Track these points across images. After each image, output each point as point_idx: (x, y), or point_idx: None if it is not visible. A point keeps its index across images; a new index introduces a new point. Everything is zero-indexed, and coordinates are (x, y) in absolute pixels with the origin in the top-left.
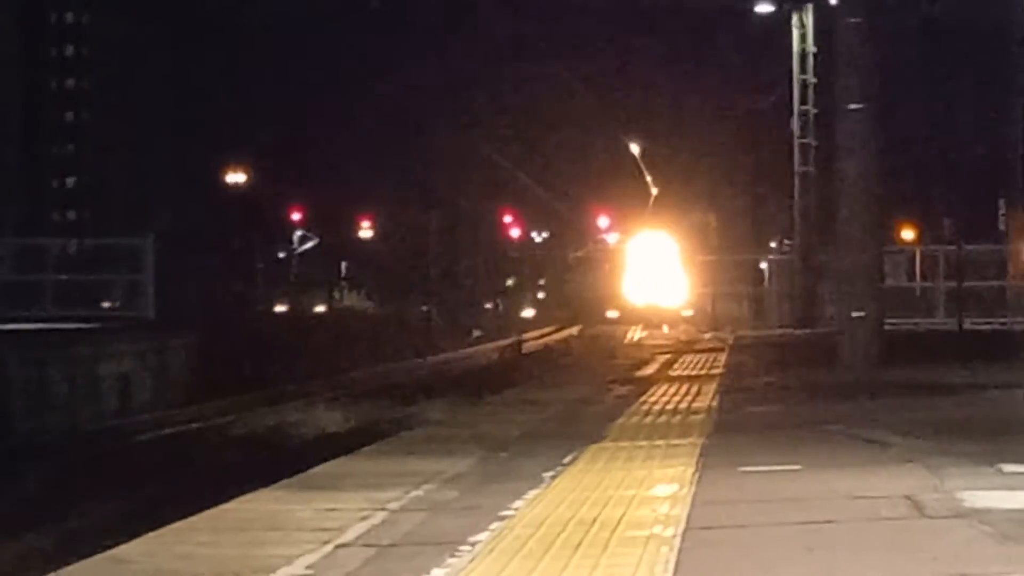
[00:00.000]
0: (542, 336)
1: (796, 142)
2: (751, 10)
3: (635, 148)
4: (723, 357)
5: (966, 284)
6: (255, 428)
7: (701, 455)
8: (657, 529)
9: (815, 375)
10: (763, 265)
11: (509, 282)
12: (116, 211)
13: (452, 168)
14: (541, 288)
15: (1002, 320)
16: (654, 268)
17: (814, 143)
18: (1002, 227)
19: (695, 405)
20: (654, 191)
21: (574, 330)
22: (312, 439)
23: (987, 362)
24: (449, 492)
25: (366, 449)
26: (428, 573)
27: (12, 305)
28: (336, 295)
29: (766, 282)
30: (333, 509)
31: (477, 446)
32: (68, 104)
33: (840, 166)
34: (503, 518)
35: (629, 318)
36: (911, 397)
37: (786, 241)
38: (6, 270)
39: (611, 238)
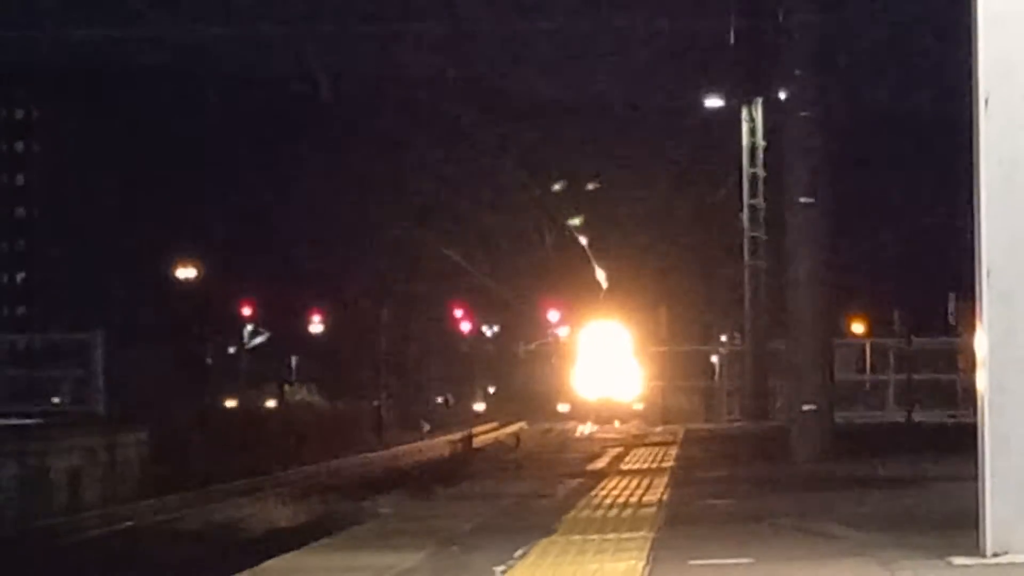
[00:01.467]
0: (493, 430)
1: (746, 235)
2: (701, 105)
3: (584, 241)
4: (674, 450)
5: (916, 377)
6: (205, 523)
7: (652, 548)
8: None
9: (766, 468)
10: (714, 359)
11: (491, 389)
12: (66, 306)
13: (403, 263)
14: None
15: (952, 413)
16: (605, 360)
17: (764, 237)
18: (952, 320)
19: (646, 498)
20: (604, 284)
21: (521, 425)
22: (262, 534)
23: (937, 455)
24: None
25: (316, 544)
26: None
27: None
28: (287, 390)
29: (717, 375)
30: None
31: (428, 540)
32: (18, 199)
33: (790, 259)
34: None
35: (580, 412)
36: (861, 490)
37: (736, 334)
38: None
39: (562, 332)
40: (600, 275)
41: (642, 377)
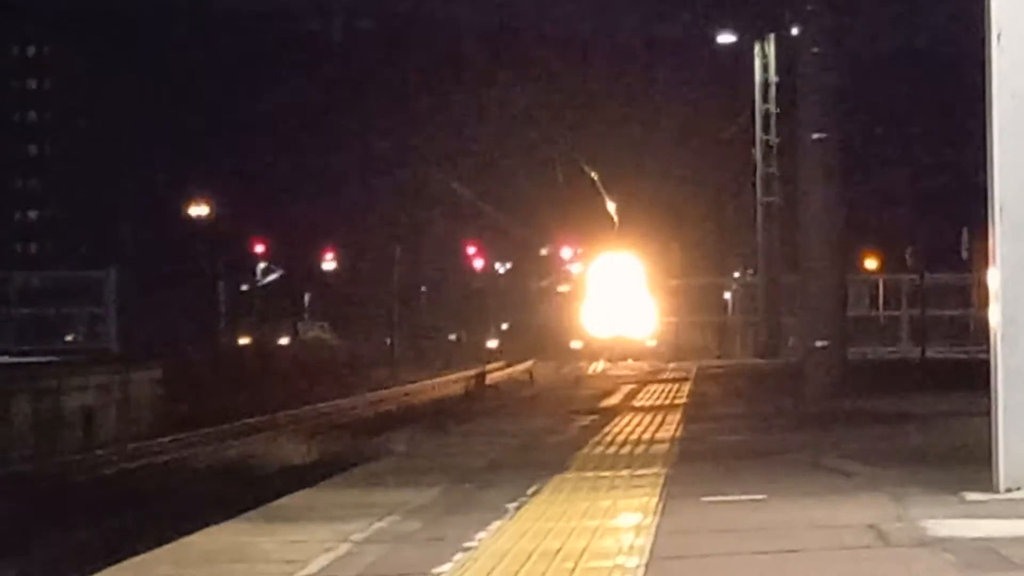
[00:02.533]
0: (506, 367)
1: (759, 172)
2: (714, 40)
3: (596, 176)
4: (687, 387)
5: (929, 312)
6: (219, 461)
7: (665, 485)
8: (621, 559)
9: (778, 404)
10: (727, 295)
11: (504, 326)
12: (79, 244)
13: (416, 200)
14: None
15: (965, 348)
16: (618, 296)
17: (777, 173)
18: (964, 256)
19: (659, 435)
20: (616, 220)
21: (532, 363)
22: (276, 471)
23: (950, 390)
24: (413, 523)
25: (330, 480)
26: None
27: None
28: (299, 327)
29: (730, 312)
30: (297, 541)
31: (441, 477)
32: (30, 137)
33: (803, 195)
34: (467, 549)
35: (593, 349)
36: (874, 426)
37: (749, 271)
38: None
39: (575, 268)
40: (612, 211)
41: (656, 314)
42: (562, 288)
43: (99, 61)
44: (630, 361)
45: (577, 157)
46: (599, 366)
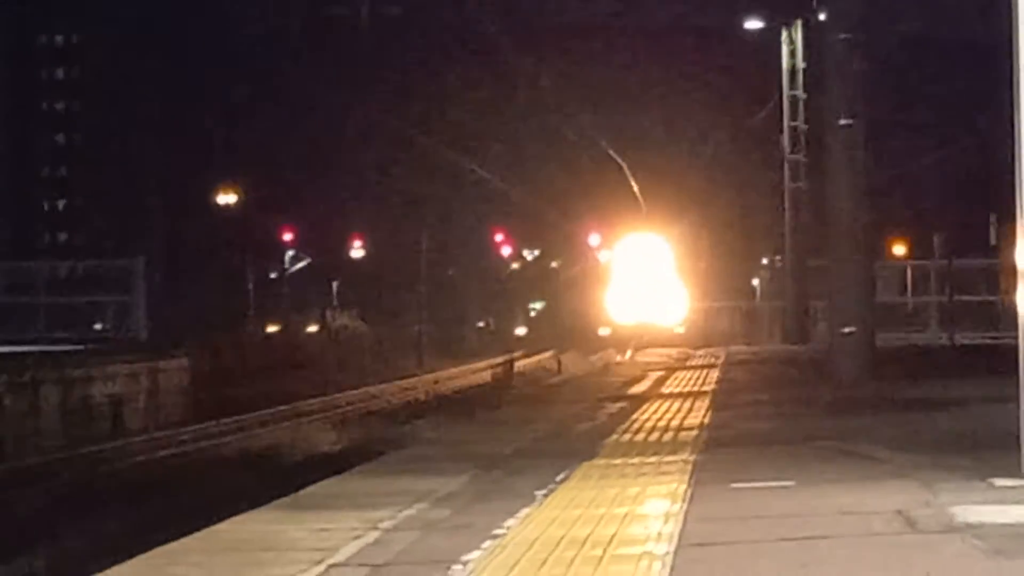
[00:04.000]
0: (533, 355)
1: (786, 158)
2: (741, 26)
3: (625, 164)
4: (715, 373)
5: (957, 298)
6: (248, 449)
7: (694, 472)
8: (650, 546)
9: (807, 391)
10: (755, 281)
11: (532, 313)
12: (107, 233)
13: (443, 187)
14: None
15: (993, 335)
16: (646, 281)
17: (804, 159)
18: (993, 241)
19: (687, 422)
20: (644, 206)
21: (557, 352)
22: (305, 459)
23: (978, 376)
24: (442, 511)
25: (359, 468)
26: None
27: (4, 327)
28: (328, 315)
29: (758, 298)
30: (326, 529)
31: (470, 464)
32: (59, 126)
33: (830, 181)
34: (495, 536)
35: (621, 336)
36: (903, 412)
37: (777, 257)
38: None
39: (603, 256)
40: (639, 197)
41: (686, 300)
42: (589, 274)
43: (127, 50)
44: (658, 349)
45: (605, 143)
46: (627, 353)
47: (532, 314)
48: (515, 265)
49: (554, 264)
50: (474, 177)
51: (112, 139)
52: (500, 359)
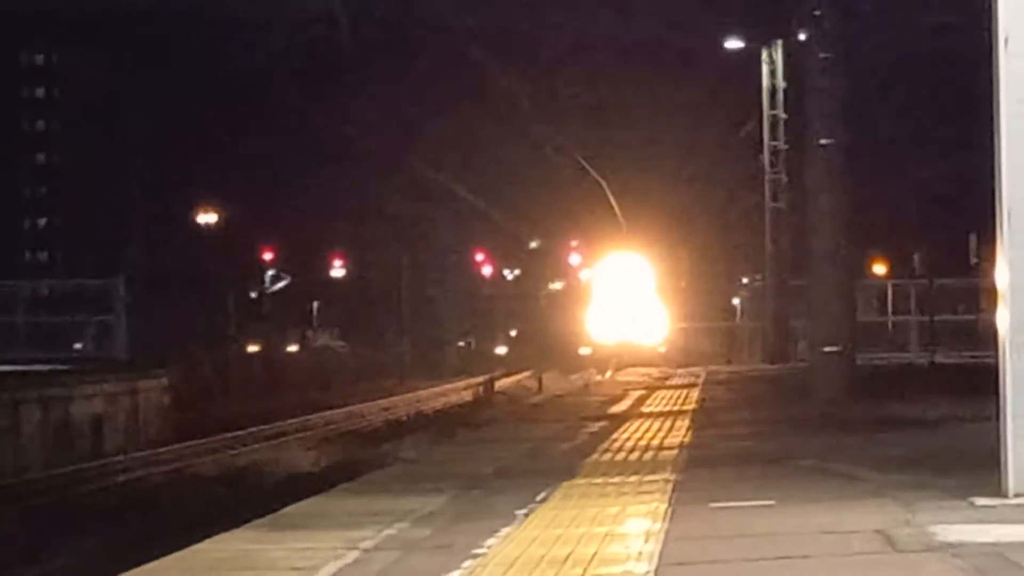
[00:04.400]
0: (514, 374)
1: (766, 177)
2: (721, 46)
3: (605, 183)
4: (696, 392)
5: (938, 318)
6: (228, 468)
7: (674, 491)
8: (631, 565)
9: (787, 410)
10: (736, 300)
11: (512, 332)
12: (87, 252)
13: (424, 207)
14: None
15: (974, 354)
16: (627, 300)
17: (784, 178)
18: (973, 261)
19: (667, 441)
20: (624, 227)
21: (534, 372)
22: (285, 478)
23: (958, 396)
24: (422, 530)
25: (339, 488)
26: None
27: None
28: (308, 335)
29: (738, 317)
30: (306, 548)
31: (450, 484)
32: (39, 145)
33: (810, 201)
34: (475, 556)
35: (602, 355)
36: (883, 431)
37: (758, 276)
38: None
39: (583, 274)
40: (620, 215)
41: (667, 319)
42: (568, 292)
43: (107, 70)
44: (639, 368)
45: (586, 163)
46: (607, 373)
47: (513, 333)
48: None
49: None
50: (454, 196)
51: (93, 158)
52: (480, 378)
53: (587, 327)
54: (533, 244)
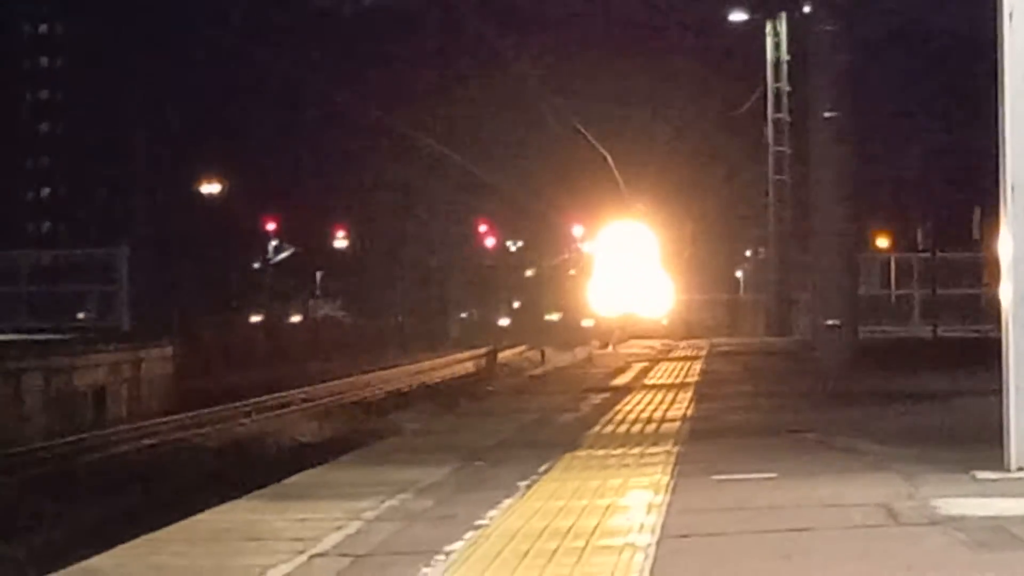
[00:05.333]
0: (518, 346)
1: (770, 150)
2: (725, 18)
3: (608, 154)
4: (699, 365)
5: (941, 292)
6: (231, 439)
7: (676, 463)
8: (632, 537)
9: (790, 383)
10: (738, 273)
11: (516, 304)
12: (90, 222)
13: (428, 178)
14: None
15: (976, 328)
16: (629, 271)
17: (788, 151)
18: (976, 235)
19: (670, 413)
20: (623, 187)
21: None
22: (288, 449)
23: (961, 369)
24: (424, 501)
25: (342, 459)
26: None
27: None
28: (311, 305)
29: (741, 290)
30: (308, 519)
31: (452, 455)
32: (42, 115)
33: (814, 173)
34: (478, 527)
35: (604, 327)
36: (885, 405)
37: (761, 249)
38: None
39: (586, 246)
40: (620, 181)
41: (671, 292)
42: (570, 264)
43: (110, 39)
44: (642, 340)
45: (584, 130)
46: (608, 347)
47: (516, 305)
48: (529, 272)
49: (529, 273)
50: (459, 167)
51: (96, 128)
52: (483, 350)
53: (589, 299)
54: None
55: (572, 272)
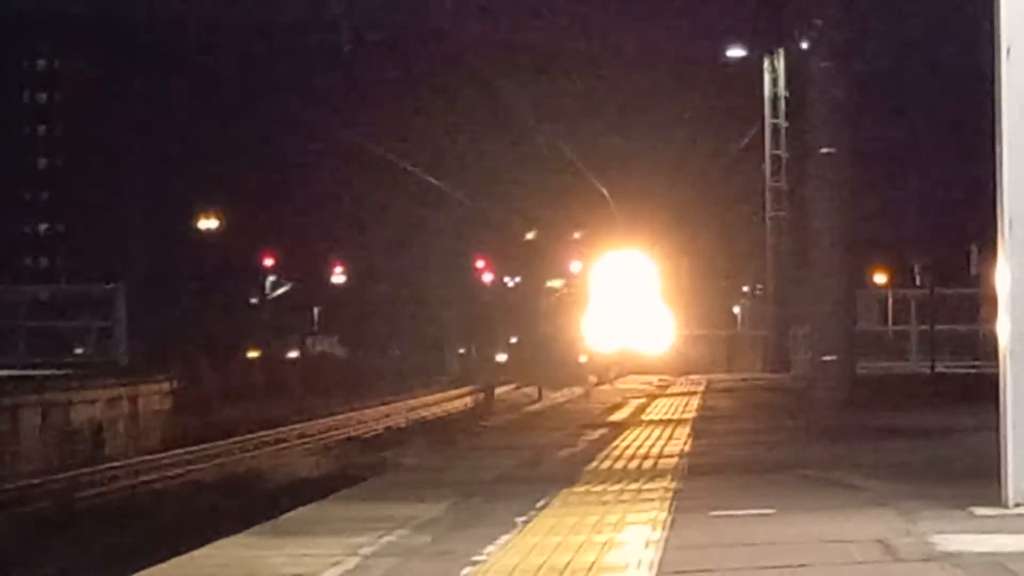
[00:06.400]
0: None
1: (768, 186)
2: (724, 54)
3: (606, 192)
4: (696, 400)
5: (939, 327)
6: (228, 474)
7: (674, 499)
8: (630, 573)
9: (787, 419)
10: (736, 309)
11: (512, 340)
12: (89, 257)
13: (425, 214)
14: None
15: (974, 363)
16: (628, 303)
17: (786, 187)
18: (974, 271)
19: (668, 449)
20: (625, 234)
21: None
22: (285, 484)
23: (959, 405)
24: (422, 537)
25: (339, 494)
26: None
27: None
28: (308, 341)
29: (739, 326)
30: (306, 555)
31: (450, 491)
32: (40, 150)
33: (812, 210)
34: (475, 563)
35: (601, 363)
36: (883, 440)
37: (758, 286)
38: None
39: (578, 270)
40: (620, 224)
41: (671, 326)
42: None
43: (109, 75)
44: (639, 376)
45: (586, 170)
46: (605, 384)
47: (513, 340)
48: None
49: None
50: (457, 205)
51: (94, 163)
52: (481, 385)
53: (584, 334)
54: (530, 236)
55: (565, 291)
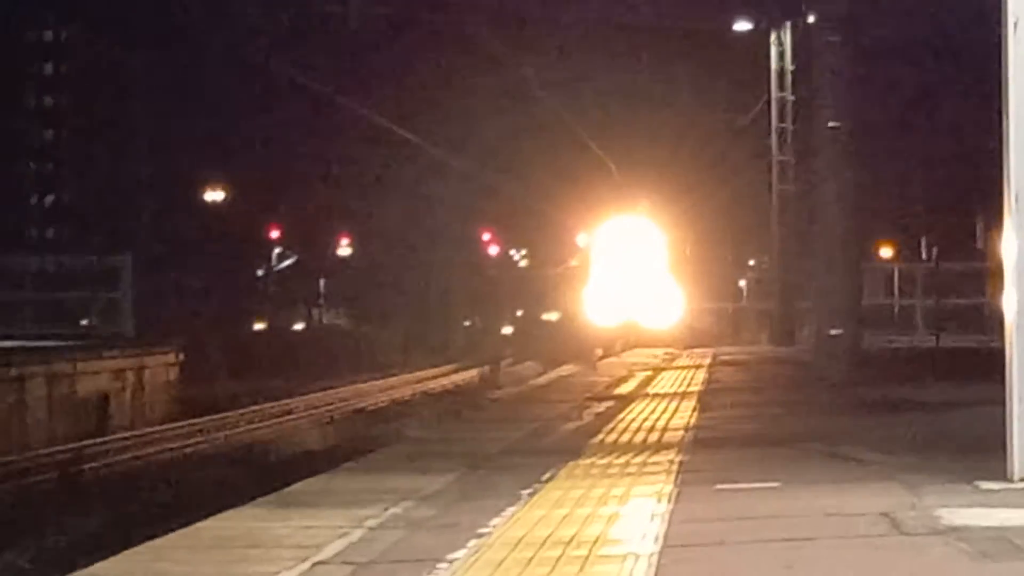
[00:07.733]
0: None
1: (774, 160)
2: (730, 27)
3: (613, 166)
4: (702, 374)
5: (944, 301)
6: (234, 445)
7: (679, 472)
8: (635, 546)
9: (793, 392)
10: (742, 282)
11: (519, 312)
12: (95, 229)
13: (431, 186)
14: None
15: (979, 338)
16: (634, 275)
17: (792, 161)
18: (980, 245)
19: (673, 422)
20: (632, 206)
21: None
22: (291, 456)
23: (964, 379)
24: (427, 509)
25: (345, 466)
26: None
27: None
28: (315, 313)
29: (744, 299)
30: (311, 526)
31: (456, 463)
32: (46, 122)
33: (818, 183)
34: (481, 535)
35: (606, 337)
36: (888, 414)
37: (765, 259)
38: None
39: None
40: (626, 197)
41: (679, 300)
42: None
43: (115, 46)
44: (645, 350)
45: (592, 144)
46: (608, 357)
47: (519, 313)
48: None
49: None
50: (463, 176)
51: (100, 135)
52: (486, 357)
53: (588, 308)
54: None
55: (573, 263)
